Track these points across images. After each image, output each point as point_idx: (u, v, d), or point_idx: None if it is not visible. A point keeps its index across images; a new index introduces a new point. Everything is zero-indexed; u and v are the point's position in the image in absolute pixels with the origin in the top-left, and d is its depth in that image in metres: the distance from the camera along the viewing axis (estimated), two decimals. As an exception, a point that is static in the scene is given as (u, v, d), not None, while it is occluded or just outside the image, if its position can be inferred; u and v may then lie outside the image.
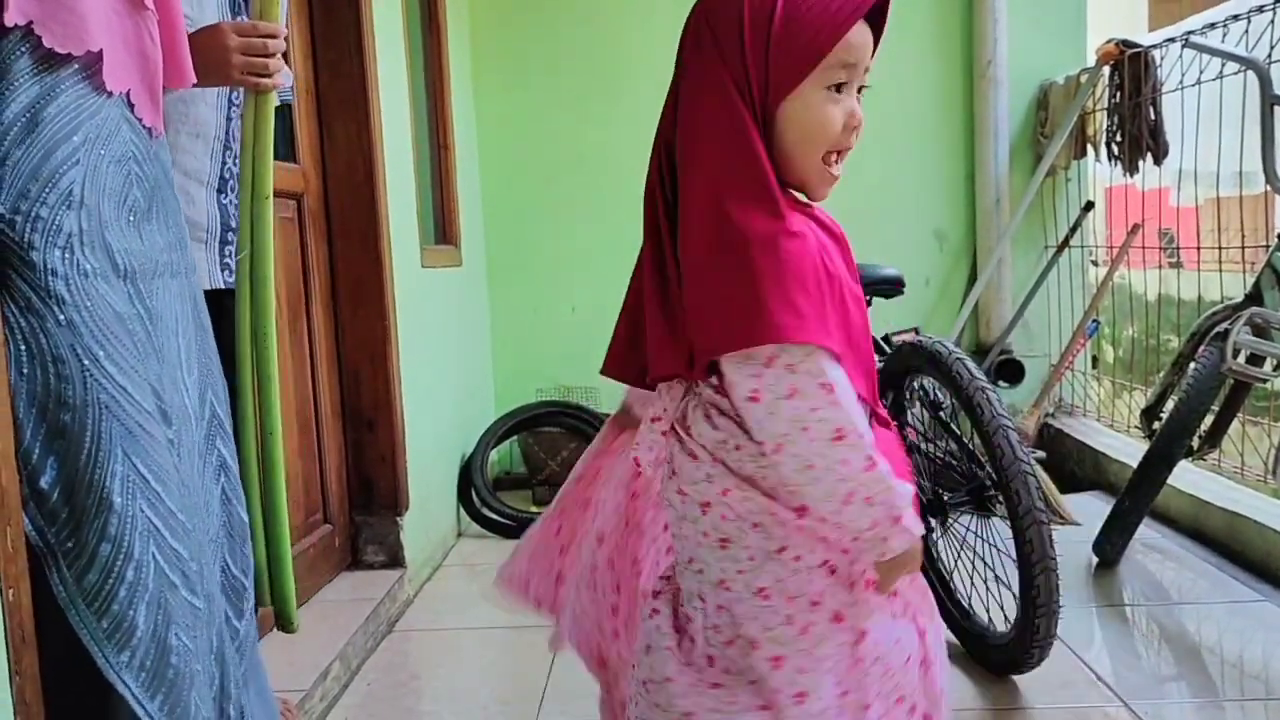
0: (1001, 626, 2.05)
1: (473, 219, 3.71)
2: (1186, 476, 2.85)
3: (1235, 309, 2.48)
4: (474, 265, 3.71)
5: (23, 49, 1.09)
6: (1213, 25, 2.90)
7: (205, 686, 1.21)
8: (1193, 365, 2.52)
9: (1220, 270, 2.97)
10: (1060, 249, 3.64)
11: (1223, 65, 2.82)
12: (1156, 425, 2.75)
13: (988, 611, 2.12)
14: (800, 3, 0.98)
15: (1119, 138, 3.41)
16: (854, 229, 1.11)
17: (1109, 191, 3.82)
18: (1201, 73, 2.97)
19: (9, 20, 1.06)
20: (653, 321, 1.08)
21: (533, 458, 3.52)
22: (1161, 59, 3.23)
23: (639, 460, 1.16)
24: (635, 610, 1.23)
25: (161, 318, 1.24)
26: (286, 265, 2.31)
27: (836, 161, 1.05)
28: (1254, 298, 2.45)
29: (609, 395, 3.73)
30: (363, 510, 2.63)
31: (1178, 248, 3.54)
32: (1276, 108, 2.40)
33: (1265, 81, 2.45)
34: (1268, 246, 2.56)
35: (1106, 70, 3.45)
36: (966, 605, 2.17)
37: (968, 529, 2.22)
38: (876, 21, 1.04)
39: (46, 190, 1.09)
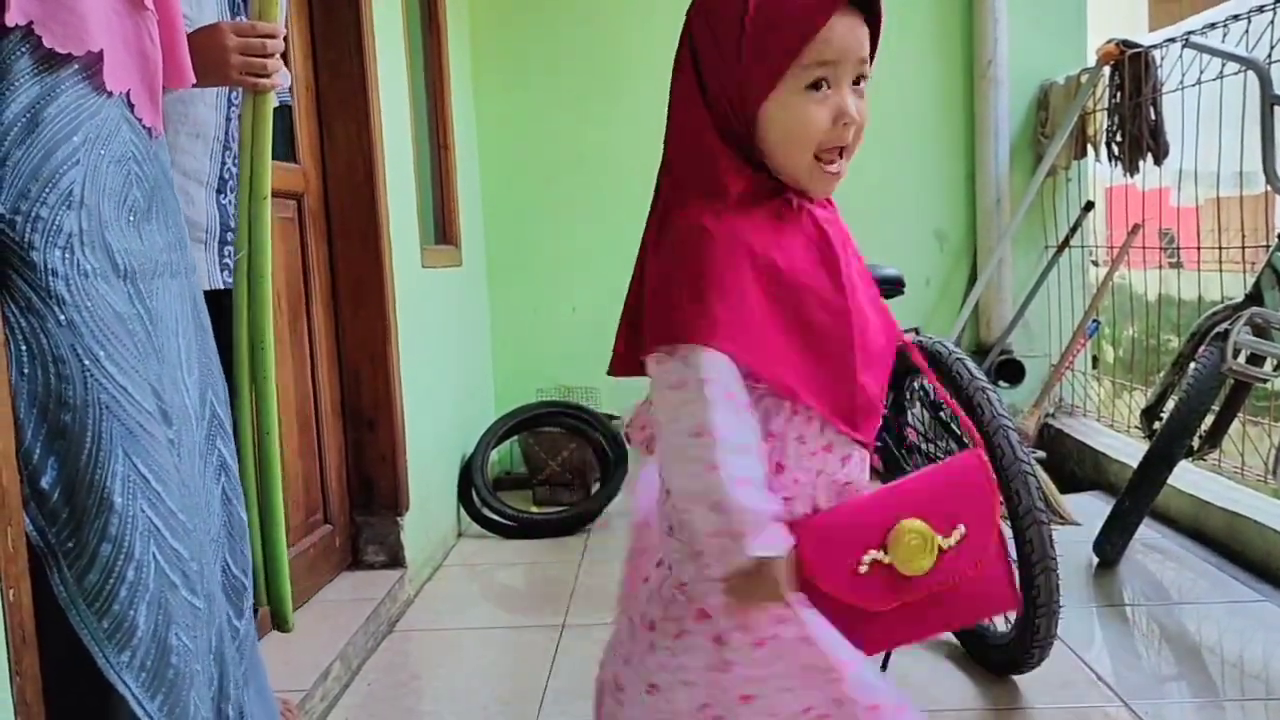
0: (1001, 626, 2.05)
1: (473, 219, 3.71)
2: (1187, 476, 2.85)
3: (1235, 309, 2.48)
4: (474, 265, 3.70)
5: (23, 49, 1.09)
6: (1213, 25, 2.90)
7: (204, 686, 1.21)
8: (1193, 365, 2.52)
9: (1220, 270, 2.97)
10: (1060, 249, 3.63)
11: (1223, 65, 2.82)
12: (1157, 425, 2.75)
13: (988, 611, 2.12)
14: (769, 4, 0.97)
15: (1119, 138, 3.41)
16: (854, 229, 1.10)
17: (1109, 191, 3.81)
18: (1202, 73, 2.97)
19: (10, 20, 1.07)
20: (621, 322, 1.11)
21: (533, 458, 3.52)
22: (1162, 59, 3.23)
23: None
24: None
25: (161, 318, 1.24)
26: (287, 265, 2.31)
27: (834, 159, 1.02)
28: (1254, 298, 2.45)
29: (609, 395, 3.73)
30: (363, 510, 2.63)
31: (1178, 248, 3.54)
32: (1276, 108, 2.40)
33: (1265, 81, 2.45)
34: (1268, 246, 2.56)
35: (1107, 70, 3.45)
36: (966, 605, 2.17)
37: (968, 529, 2.22)
38: (873, 11, 1.01)
39: (47, 190, 1.09)
